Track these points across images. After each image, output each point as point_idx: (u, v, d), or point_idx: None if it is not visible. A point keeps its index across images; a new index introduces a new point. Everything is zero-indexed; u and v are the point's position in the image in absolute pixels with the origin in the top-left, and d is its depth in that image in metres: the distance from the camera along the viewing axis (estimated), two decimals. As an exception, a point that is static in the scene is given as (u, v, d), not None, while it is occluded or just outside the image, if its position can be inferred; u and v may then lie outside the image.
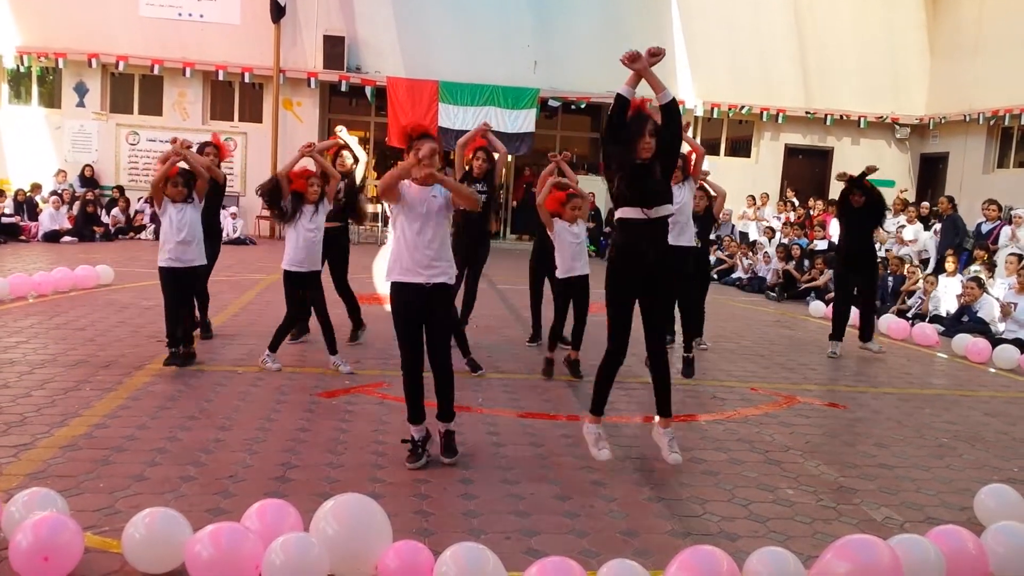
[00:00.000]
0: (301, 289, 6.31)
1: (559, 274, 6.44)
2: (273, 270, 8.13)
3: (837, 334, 8.16)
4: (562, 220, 6.32)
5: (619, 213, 4.35)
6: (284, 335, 6.34)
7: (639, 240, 4.33)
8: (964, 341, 8.69)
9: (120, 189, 16.59)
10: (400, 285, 4.30)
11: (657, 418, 4.54)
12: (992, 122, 16.40)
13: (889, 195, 16.28)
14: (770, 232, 15.18)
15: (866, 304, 8.30)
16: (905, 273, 11.67)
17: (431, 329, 4.33)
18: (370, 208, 11.87)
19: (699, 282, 7.43)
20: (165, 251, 6.06)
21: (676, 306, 6.61)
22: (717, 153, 19.26)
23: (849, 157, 18.88)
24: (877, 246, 13.67)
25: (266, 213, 14.22)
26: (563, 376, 6.51)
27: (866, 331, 8.17)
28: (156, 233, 15.68)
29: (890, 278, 11.72)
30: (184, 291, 6.23)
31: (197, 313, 6.83)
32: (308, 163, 6.43)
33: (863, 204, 7.83)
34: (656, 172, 4.30)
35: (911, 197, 17.22)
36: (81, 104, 16.93)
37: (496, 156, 7.34)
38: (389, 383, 5.97)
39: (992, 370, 8.09)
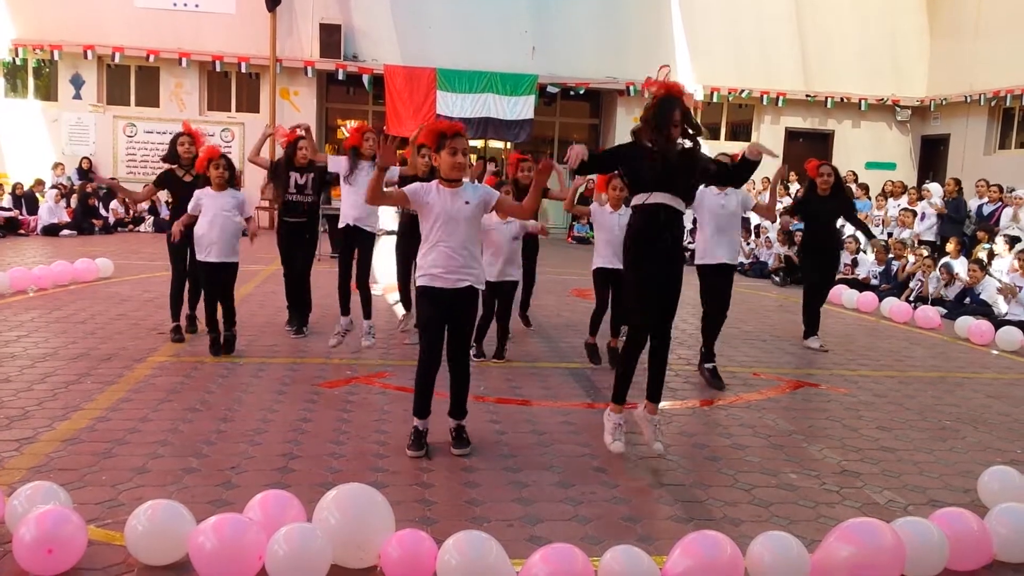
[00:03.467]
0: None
1: (601, 264, 6.32)
2: (272, 260, 8.10)
3: (814, 328, 7.79)
4: (607, 207, 6.29)
5: (636, 199, 4.28)
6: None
7: (655, 223, 4.24)
8: (966, 323, 8.67)
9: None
10: (426, 288, 4.25)
11: (644, 402, 4.48)
12: (993, 103, 16.33)
13: (886, 178, 16.37)
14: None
15: (821, 299, 7.94)
16: (910, 258, 11.63)
17: (453, 331, 4.29)
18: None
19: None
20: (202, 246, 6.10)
21: (709, 319, 6.34)
22: (718, 138, 19.19)
23: (850, 140, 18.86)
24: (879, 228, 13.68)
25: (265, 204, 14.20)
26: (562, 363, 6.51)
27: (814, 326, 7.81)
28: (156, 226, 15.72)
29: (894, 263, 11.69)
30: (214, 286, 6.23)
31: (186, 307, 6.85)
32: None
33: (829, 192, 7.46)
34: (684, 164, 4.24)
35: (911, 180, 17.17)
36: (77, 96, 16.86)
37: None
38: (391, 372, 5.97)
39: (995, 352, 8.07)
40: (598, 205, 6.45)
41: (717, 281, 6.24)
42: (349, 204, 6.32)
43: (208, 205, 6.06)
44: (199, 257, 6.17)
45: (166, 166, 6.85)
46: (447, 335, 4.31)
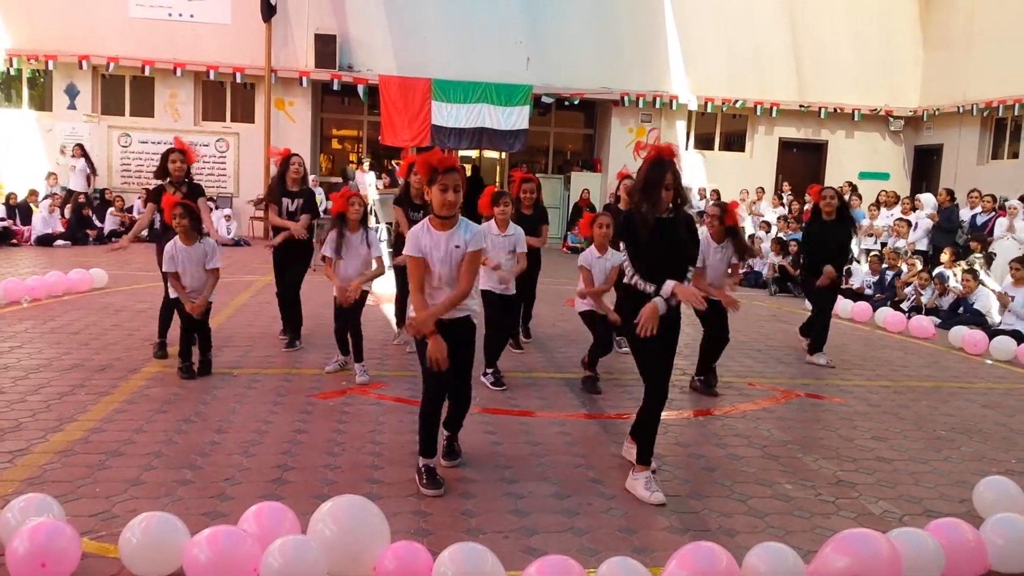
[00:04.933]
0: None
1: (587, 308, 6.24)
2: (266, 271, 8.09)
3: (820, 344, 7.71)
4: (593, 252, 6.22)
5: (632, 281, 4.07)
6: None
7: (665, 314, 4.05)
8: (961, 333, 8.70)
9: (101, 193, 16.47)
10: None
11: (635, 465, 4.18)
12: (986, 113, 16.43)
13: (879, 188, 16.42)
14: (766, 226, 15.18)
15: (828, 318, 7.84)
16: (902, 267, 11.68)
17: (455, 362, 4.08)
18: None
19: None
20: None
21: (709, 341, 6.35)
22: (711, 148, 19.27)
23: (843, 150, 18.94)
24: (872, 240, 13.72)
25: (259, 215, 14.20)
26: (558, 374, 6.51)
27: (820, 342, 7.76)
28: (151, 236, 15.62)
29: (888, 272, 11.73)
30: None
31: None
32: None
33: (834, 215, 7.36)
34: (682, 231, 4.11)
35: (904, 191, 17.24)
36: (72, 106, 16.86)
37: None
38: (386, 383, 5.96)
39: (989, 361, 8.10)
40: (585, 254, 6.33)
41: (714, 314, 6.12)
42: (345, 272, 6.04)
43: (182, 260, 5.94)
44: (174, 295, 6.06)
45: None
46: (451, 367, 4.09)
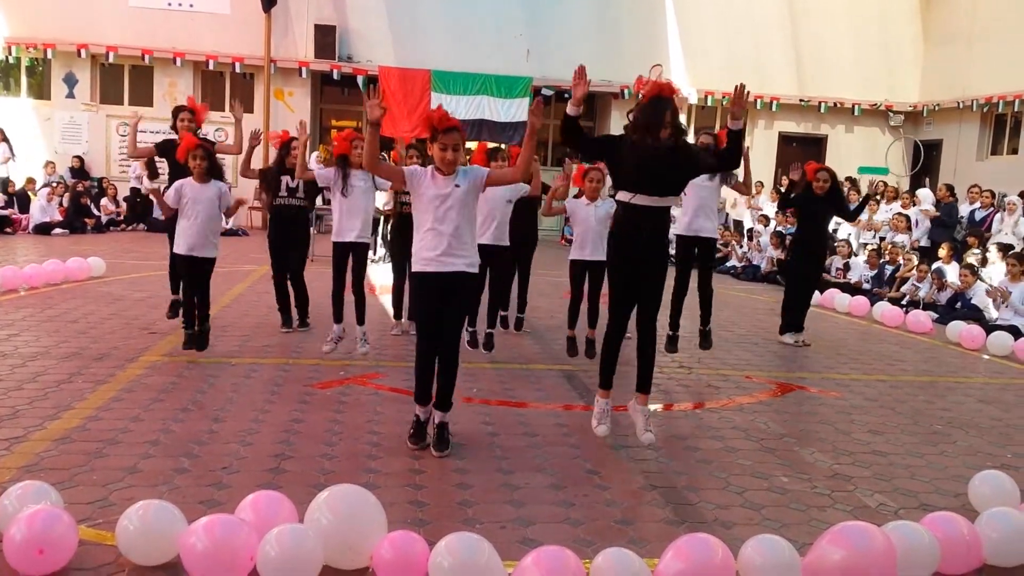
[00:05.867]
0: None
1: (577, 256, 6.45)
2: (264, 261, 8.09)
3: (795, 324, 7.94)
4: (582, 200, 6.37)
5: (620, 196, 4.37)
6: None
7: (637, 220, 4.36)
8: (958, 328, 8.71)
9: (98, 182, 16.44)
10: (420, 275, 4.30)
11: (635, 394, 4.63)
12: (985, 109, 16.42)
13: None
14: (764, 220, 15.17)
15: (807, 297, 8.08)
16: (900, 260, 11.69)
17: (445, 317, 4.28)
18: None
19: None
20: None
21: (693, 293, 6.66)
22: (711, 141, 19.23)
23: (843, 145, 18.92)
24: (872, 234, 13.73)
25: (258, 204, 14.17)
26: (555, 365, 6.52)
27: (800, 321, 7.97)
28: (149, 225, 15.65)
29: (887, 267, 11.74)
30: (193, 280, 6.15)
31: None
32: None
33: (826, 191, 7.70)
34: (673, 163, 4.28)
35: (904, 185, 17.24)
36: (71, 95, 16.82)
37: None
38: (384, 373, 5.97)
39: (986, 357, 8.11)
40: (573, 199, 6.51)
41: (701, 253, 6.56)
42: (343, 218, 6.17)
43: (190, 197, 5.96)
44: (176, 250, 6.09)
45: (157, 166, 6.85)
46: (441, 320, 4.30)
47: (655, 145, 4.22)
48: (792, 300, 8.02)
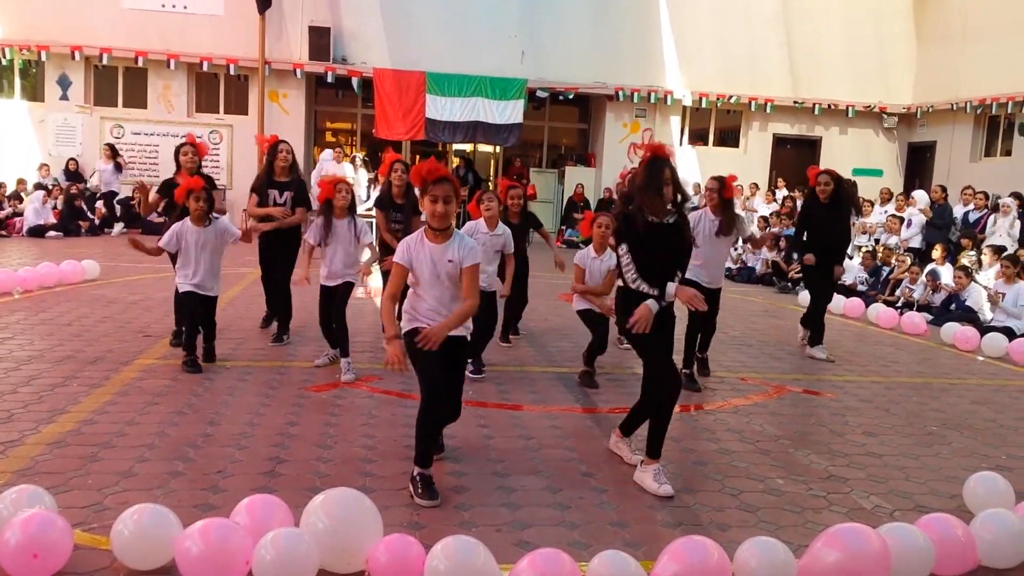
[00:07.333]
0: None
1: (585, 307, 6.25)
2: (257, 264, 8.06)
3: (819, 337, 7.71)
4: (589, 251, 6.25)
5: (635, 285, 4.11)
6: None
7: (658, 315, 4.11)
8: (952, 329, 8.74)
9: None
10: (416, 331, 3.91)
11: (643, 457, 4.22)
12: (979, 111, 16.47)
13: (876, 184, 16.48)
14: (761, 222, 15.20)
15: (824, 307, 7.85)
16: (894, 262, 11.72)
17: (451, 380, 4.05)
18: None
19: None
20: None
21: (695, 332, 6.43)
22: (706, 143, 19.29)
23: (837, 147, 18.97)
24: (866, 237, 13.76)
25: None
26: (550, 368, 6.51)
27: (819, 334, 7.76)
28: (143, 227, 15.57)
29: (883, 268, 11.76)
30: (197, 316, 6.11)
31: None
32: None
33: (828, 199, 7.33)
34: (682, 237, 4.17)
35: (898, 187, 17.29)
36: (64, 97, 16.76)
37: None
38: (379, 376, 5.96)
39: (980, 358, 8.14)
40: (581, 252, 6.37)
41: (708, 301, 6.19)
42: (330, 262, 6.01)
43: (191, 243, 5.92)
44: (182, 289, 6.03)
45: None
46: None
47: (661, 221, 4.10)
48: (814, 312, 7.73)
